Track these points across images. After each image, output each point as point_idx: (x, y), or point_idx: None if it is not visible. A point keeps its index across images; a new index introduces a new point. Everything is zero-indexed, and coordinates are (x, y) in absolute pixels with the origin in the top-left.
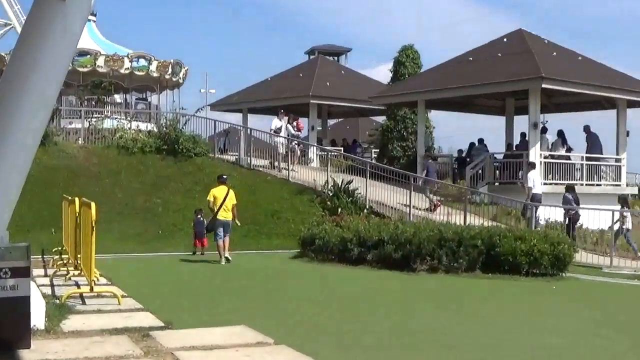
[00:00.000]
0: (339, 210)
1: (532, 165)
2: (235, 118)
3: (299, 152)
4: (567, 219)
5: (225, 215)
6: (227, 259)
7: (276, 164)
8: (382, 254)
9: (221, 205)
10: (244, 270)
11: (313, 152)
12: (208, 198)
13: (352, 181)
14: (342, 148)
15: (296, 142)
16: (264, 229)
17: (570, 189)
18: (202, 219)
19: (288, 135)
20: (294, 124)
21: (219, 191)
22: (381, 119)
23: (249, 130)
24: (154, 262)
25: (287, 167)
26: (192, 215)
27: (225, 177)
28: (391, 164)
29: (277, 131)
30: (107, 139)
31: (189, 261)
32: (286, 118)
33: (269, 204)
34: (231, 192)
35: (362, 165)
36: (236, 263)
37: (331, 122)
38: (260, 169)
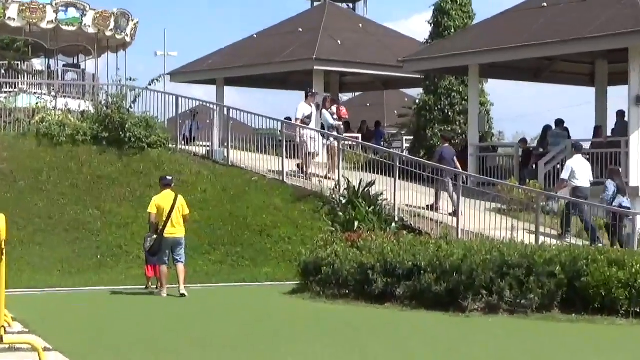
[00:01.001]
0: (356, 224)
1: (577, 149)
2: (205, 92)
3: (339, 150)
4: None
5: (173, 231)
6: (182, 294)
7: (306, 168)
8: (417, 287)
9: (168, 218)
10: (213, 316)
11: (318, 142)
12: (149, 210)
13: (374, 182)
14: (359, 135)
15: (334, 137)
16: (247, 252)
17: (614, 173)
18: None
19: (323, 127)
20: (332, 109)
21: (163, 198)
22: (416, 92)
23: (226, 110)
24: (89, 299)
25: (321, 174)
26: (144, 233)
27: (169, 178)
28: (430, 157)
29: (306, 121)
30: (22, 123)
31: (138, 295)
32: (319, 101)
33: (256, 215)
34: (180, 198)
35: (389, 160)
36: (202, 303)
37: (344, 97)
38: (243, 166)
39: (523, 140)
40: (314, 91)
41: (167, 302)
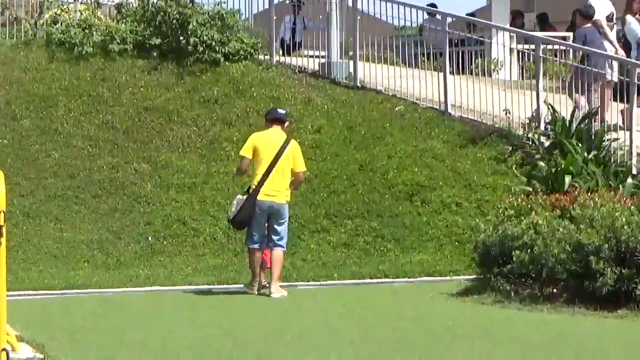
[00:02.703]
0: (567, 180)
1: None
2: None
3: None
4: None
5: (273, 192)
6: (265, 288)
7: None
8: None
9: (269, 171)
10: (322, 342)
11: (499, 47)
12: (241, 152)
13: (596, 112)
14: (570, 34)
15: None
16: (389, 228)
17: None
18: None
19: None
20: None
21: (267, 139)
22: None
23: None
24: (141, 308)
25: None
26: (221, 198)
27: (282, 112)
28: None
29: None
30: (25, 24)
31: (229, 298)
32: None
33: (402, 169)
34: (295, 145)
35: (623, 75)
36: (309, 313)
37: None
38: (381, 88)
39: None
40: None
41: (252, 307)
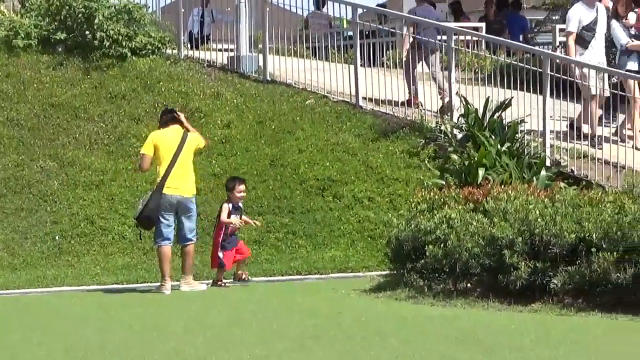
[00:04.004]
0: (480, 173)
1: None
2: None
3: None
4: None
5: (178, 185)
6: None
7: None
8: (586, 276)
9: (171, 166)
10: (231, 343)
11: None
12: (142, 151)
13: (510, 103)
14: (482, 25)
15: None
16: (301, 224)
17: None
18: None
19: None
20: (632, 16)
21: (166, 136)
22: None
23: None
24: (48, 308)
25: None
26: (129, 195)
27: (172, 111)
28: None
29: (585, 36)
30: None
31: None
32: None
33: (313, 164)
34: (191, 136)
35: (535, 65)
36: (219, 314)
37: None
38: (291, 82)
39: None
40: None
41: (163, 306)
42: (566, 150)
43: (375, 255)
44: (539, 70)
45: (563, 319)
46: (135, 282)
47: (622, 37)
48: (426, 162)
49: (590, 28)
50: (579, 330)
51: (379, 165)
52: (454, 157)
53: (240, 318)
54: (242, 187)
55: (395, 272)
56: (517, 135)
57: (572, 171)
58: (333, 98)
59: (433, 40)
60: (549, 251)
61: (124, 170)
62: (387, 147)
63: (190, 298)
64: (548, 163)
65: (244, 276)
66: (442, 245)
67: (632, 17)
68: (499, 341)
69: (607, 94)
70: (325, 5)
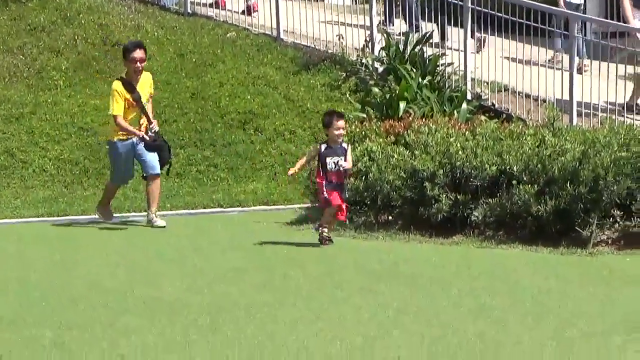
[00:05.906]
0: (402, 106)
1: None
2: None
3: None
4: None
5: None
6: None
7: None
8: (506, 208)
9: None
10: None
11: None
12: (113, 111)
13: (430, 35)
14: None
15: None
16: (222, 157)
17: None
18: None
19: None
20: None
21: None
22: None
23: None
24: None
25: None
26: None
27: (137, 43)
28: None
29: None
30: None
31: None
32: None
33: (234, 97)
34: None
35: None
36: (146, 238)
37: None
38: (211, 14)
39: None
40: None
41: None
42: (487, 83)
43: (297, 188)
44: (460, 3)
45: (484, 251)
46: (57, 215)
47: None
48: (347, 95)
49: None
50: (500, 262)
51: (300, 98)
52: (375, 90)
53: (163, 252)
54: (342, 122)
55: (316, 206)
56: (438, 68)
57: (493, 105)
58: (254, 31)
59: None
60: (470, 184)
61: (44, 103)
62: (308, 80)
63: (110, 233)
64: (469, 96)
65: None
66: (363, 178)
67: None
68: (420, 273)
69: None
70: None
